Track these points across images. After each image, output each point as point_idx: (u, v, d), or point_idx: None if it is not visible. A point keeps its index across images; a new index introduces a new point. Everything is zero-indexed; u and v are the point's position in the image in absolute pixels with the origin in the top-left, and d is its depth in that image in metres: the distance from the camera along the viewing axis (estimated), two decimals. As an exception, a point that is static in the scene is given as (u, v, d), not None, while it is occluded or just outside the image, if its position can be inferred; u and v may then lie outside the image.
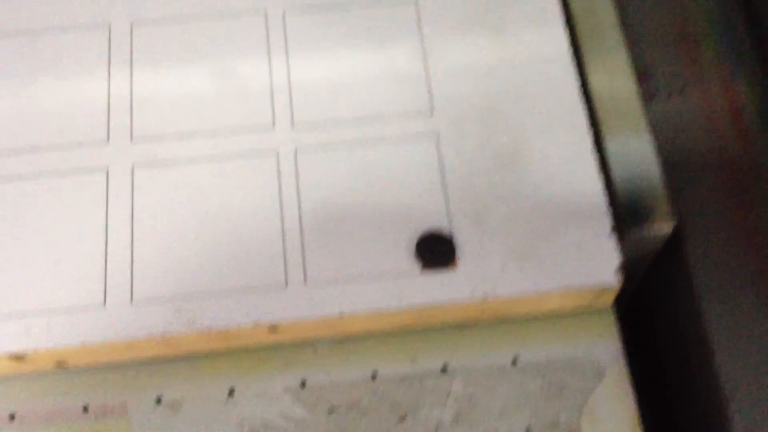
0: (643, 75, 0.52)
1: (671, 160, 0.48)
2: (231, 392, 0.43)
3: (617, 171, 0.47)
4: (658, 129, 0.49)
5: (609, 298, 0.44)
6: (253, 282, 0.43)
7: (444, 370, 0.44)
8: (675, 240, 0.46)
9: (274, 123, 0.47)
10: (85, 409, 0.43)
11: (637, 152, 0.47)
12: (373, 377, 0.44)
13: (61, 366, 0.43)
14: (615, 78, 0.49)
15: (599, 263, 0.43)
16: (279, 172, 0.45)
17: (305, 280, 0.43)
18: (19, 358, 0.42)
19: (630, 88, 0.49)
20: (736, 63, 0.53)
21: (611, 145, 0.47)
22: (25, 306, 0.42)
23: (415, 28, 0.49)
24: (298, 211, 0.44)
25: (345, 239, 0.43)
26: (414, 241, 0.43)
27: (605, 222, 0.44)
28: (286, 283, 0.43)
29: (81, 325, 0.42)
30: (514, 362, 0.44)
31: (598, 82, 0.49)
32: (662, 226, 0.45)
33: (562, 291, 0.43)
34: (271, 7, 0.50)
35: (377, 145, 0.46)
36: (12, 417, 0.43)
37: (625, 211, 0.45)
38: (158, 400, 0.43)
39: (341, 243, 0.43)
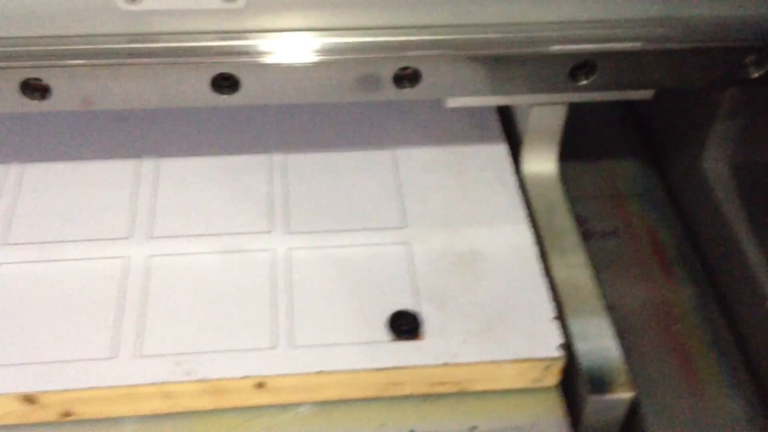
0: (581, 220, 0.63)
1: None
2: (218, 445, 0.48)
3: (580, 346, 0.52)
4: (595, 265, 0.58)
5: (555, 374, 0.51)
6: (246, 344, 0.49)
7: (411, 433, 0.49)
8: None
9: (271, 230, 0.56)
10: (83, 455, 0.47)
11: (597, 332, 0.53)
12: (347, 437, 0.48)
13: (66, 416, 0.48)
14: (574, 270, 0.56)
15: (544, 341, 0.50)
16: (274, 262, 0.53)
17: (291, 343, 0.49)
18: (30, 399, 0.47)
19: (588, 279, 0.56)
20: (659, 216, 0.64)
21: (574, 326, 0.53)
22: (43, 356, 0.48)
23: (392, 166, 0.60)
24: (290, 286, 0.52)
25: (328, 313, 0.51)
26: (386, 317, 0.51)
27: (549, 311, 0.52)
28: (275, 345, 0.49)
29: (91, 373, 0.47)
30: (473, 429, 0.49)
31: (558, 273, 0.56)
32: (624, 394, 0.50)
33: (513, 361, 0.49)
34: (275, 147, 0.61)
35: (360, 248, 0.55)
36: (14, 460, 0.46)
37: (591, 381, 0.50)
38: (151, 450, 0.47)
39: (325, 315, 0.51)
